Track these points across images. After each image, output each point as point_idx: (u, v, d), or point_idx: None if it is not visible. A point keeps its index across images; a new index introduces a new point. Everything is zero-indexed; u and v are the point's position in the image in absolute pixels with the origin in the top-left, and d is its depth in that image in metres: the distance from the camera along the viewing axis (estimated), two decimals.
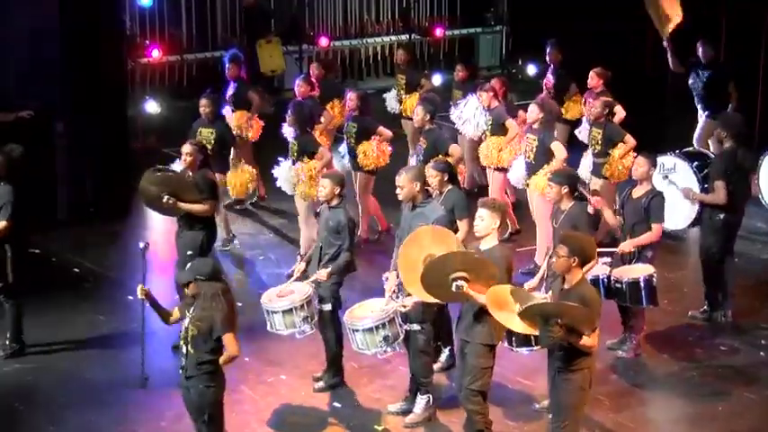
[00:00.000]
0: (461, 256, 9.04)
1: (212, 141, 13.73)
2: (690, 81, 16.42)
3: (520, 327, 8.75)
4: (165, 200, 11.24)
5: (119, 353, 11.44)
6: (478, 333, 9.23)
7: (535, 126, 13.18)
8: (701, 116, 16.52)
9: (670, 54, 15.96)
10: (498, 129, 14.28)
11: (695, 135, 16.50)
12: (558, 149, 13.01)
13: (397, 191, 10.21)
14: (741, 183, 12.20)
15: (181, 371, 8.74)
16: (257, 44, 21.01)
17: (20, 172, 11.34)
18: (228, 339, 8.58)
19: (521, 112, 14.49)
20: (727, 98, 15.90)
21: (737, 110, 15.10)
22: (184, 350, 8.67)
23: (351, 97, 14.32)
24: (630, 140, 13.52)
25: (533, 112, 13.17)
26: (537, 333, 8.81)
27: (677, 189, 13.22)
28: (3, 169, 11.18)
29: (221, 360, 8.65)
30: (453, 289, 8.88)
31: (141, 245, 9.58)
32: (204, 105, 13.99)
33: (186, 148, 11.64)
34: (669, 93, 17.62)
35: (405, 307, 9.86)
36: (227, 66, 15.86)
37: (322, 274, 10.40)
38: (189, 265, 8.97)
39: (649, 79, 17.98)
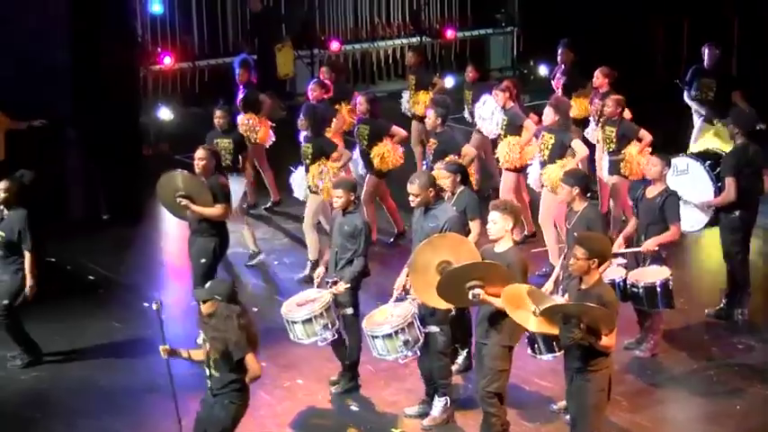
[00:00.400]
0: (473, 267, 9.02)
1: (231, 151, 13.71)
2: (693, 91, 16.30)
3: (535, 326, 8.74)
4: (178, 200, 11.26)
5: (134, 359, 11.45)
6: (496, 335, 9.23)
7: (552, 126, 13.18)
8: (698, 122, 16.45)
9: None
10: (514, 129, 14.24)
11: (692, 138, 16.41)
12: (580, 147, 13.05)
13: (411, 198, 10.14)
14: (753, 179, 12.17)
15: (208, 391, 8.78)
16: (276, 49, 21.06)
17: (31, 197, 11.35)
18: (248, 361, 8.62)
19: (532, 115, 14.46)
20: (727, 106, 15.80)
21: None
22: (208, 372, 8.71)
23: (360, 101, 14.33)
24: (647, 136, 13.51)
25: (548, 114, 13.16)
26: (553, 333, 8.80)
27: (690, 186, 13.13)
28: (15, 195, 11.19)
29: (247, 380, 8.71)
30: (471, 297, 8.89)
31: (154, 306, 8.97)
32: (219, 116, 13.96)
33: (199, 153, 11.67)
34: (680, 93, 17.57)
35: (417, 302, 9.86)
36: (237, 71, 15.89)
37: (340, 288, 10.38)
38: (208, 284, 8.96)
39: (660, 79, 17.98)
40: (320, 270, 10.89)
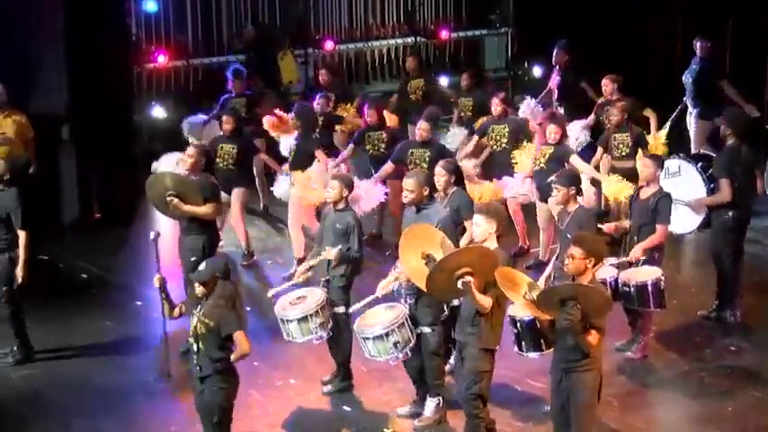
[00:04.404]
0: (464, 253, 9.02)
1: (234, 156, 13.76)
2: (683, 77, 16.47)
3: (522, 303, 8.75)
4: (168, 199, 11.26)
5: (127, 358, 11.47)
6: (476, 337, 9.19)
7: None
8: (691, 113, 16.53)
9: None
10: (517, 138, 14.25)
11: (692, 138, 16.49)
12: (581, 165, 13.20)
13: (405, 194, 10.17)
14: (746, 179, 12.21)
15: (196, 370, 8.78)
16: (279, 57, 21.11)
17: (25, 176, 11.37)
18: (240, 337, 8.64)
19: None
20: (716, 95, 15.96)
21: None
22: (195, 348, 8.72)
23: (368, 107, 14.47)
24: (652, 114, 13.58)
25: (552, 131, 13.24)
26: (539, 315, 8.78)
27: (682, 188, 13.13)
28: (7, 174, 11.20)
29: (233, 357, 8.71)
30: (459, 286, 8.84)
31: (152, 234, 9.80)
32: (226, 121, 13.99)
33: (189, 150, 11.68)
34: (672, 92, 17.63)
35: (402, 278, 9.88)
36: (231, 81, 15.97)
37: (331, 253, 10.37)
38: (204, 263, 8.89)
39: (654, 79, 18.00)
40: (301, 267, 10.87)
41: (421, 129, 13.55)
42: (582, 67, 16.34)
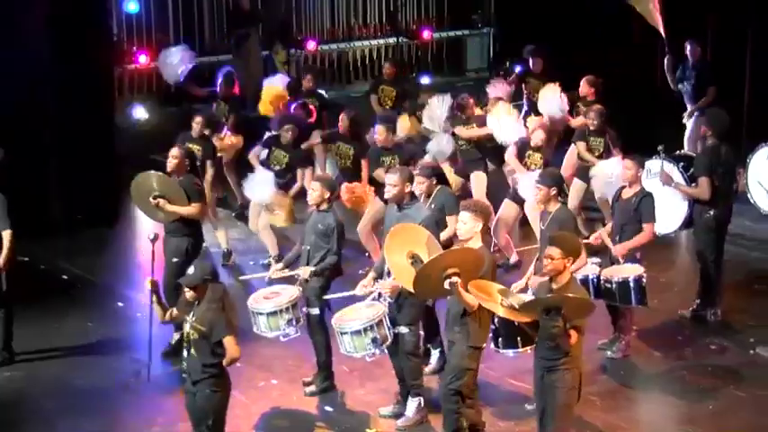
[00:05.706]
0: (451, 255, 9.06)
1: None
2: (678, 82, 16.53)
3: (504, 313, 8.75)
4: (153, 201, 11.23)
5: (108, 359, 11.44)
6: (463, 335, 9.23)
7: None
8: (690, 116, 16.59)
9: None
10: None
11: (686, 136, 16.58)
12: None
13: (387, 189, 10.19)
14: (726, 179, 12.25)
15: (184, 375, 8.76)
16: (273, 52, 21.16)
17: (4, 175, 11.33)
18: (229, 342, 8.60)
19: None
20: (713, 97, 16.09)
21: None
22: (186, 354, 8.69)
23: (342, 118, 14.36)
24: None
25: (538, 136, 13.26)
26: (521, 319, 8.78)
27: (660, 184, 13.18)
28: None
29: (224, 362, 8.68)
30: (447, 286, 8.86)
31: (150, 236, 9.99)
32: (197, 122, 14.03)
33: (173, 151, 11.63)
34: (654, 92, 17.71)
35: (385, 291, 9.87)
36: (220, 83, 15.93)
37: (306, 271, 10.39)
38: (193, 266, 8.82)
39: (635, 77, 18.05)
40: (277, 266, 10.91)
41: (378, 133, 13.54)
42: (565, 65, 16.37)
